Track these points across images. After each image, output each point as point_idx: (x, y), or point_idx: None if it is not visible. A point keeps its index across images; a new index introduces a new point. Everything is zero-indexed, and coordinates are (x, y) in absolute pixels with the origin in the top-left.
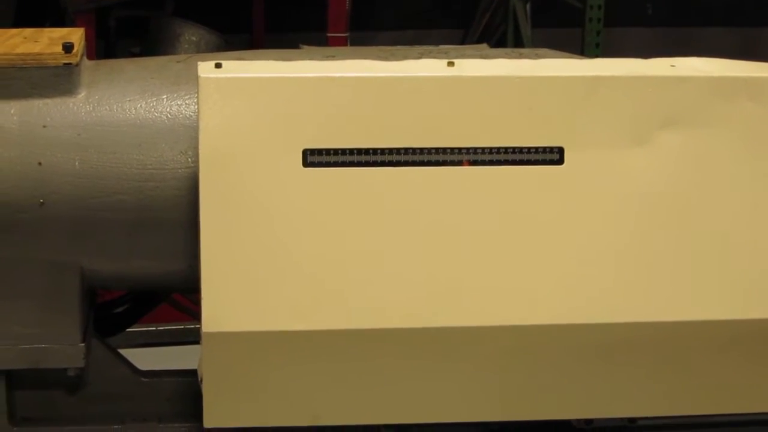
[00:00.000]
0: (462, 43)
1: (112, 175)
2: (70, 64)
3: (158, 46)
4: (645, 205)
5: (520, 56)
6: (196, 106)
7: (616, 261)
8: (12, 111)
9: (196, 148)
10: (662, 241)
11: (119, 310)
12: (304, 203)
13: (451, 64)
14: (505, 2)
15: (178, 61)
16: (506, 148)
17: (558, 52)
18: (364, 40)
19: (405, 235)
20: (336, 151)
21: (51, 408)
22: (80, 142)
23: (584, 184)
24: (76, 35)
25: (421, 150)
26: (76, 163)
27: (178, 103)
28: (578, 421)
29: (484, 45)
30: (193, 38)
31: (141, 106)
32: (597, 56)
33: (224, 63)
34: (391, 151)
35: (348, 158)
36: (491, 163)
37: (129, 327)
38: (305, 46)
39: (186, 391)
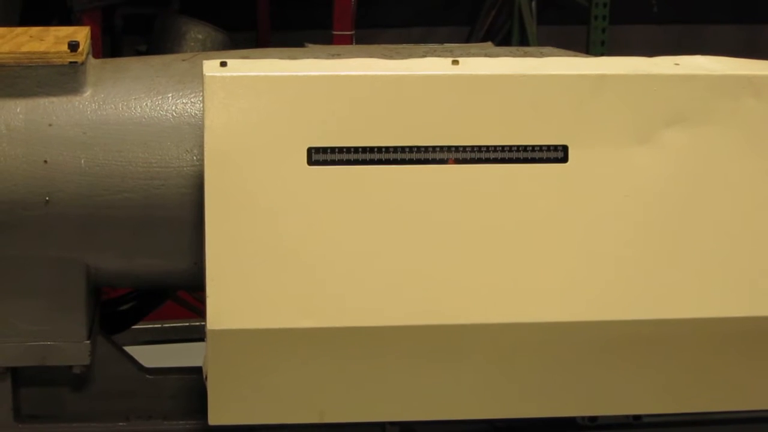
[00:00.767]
0: (467, 40)
1: (118, 174)
2: (75, 62)
3: (164, 44)
4: (649, 203)
5: (525, 55)
6: (201, 105)
7: (621, 258)
8: (18, 109)
9: (201, 147)
10: (667, 239)
11: (125, 307)
12: (309, 201)
13: (455, 62)
14: (510, 0)
15: (183, 60)
16: (511, 147)
17: (563, 51)
18: (369, 38)
19: (410, 233)
20: (341, 150)
21: (56, 405)
22: (86, 140)
23: (589, 182)
24: (81, 34)
25: (426, 148)
26: (82, 162)
27: (184, 101)
28: (582, 418)
29: (489, 43)
30: (199, 36)
31: (146, 104)
32: (602, 54)
33: (229, 61)
34: (396, 149)
35: (353, 156)
36: (496, 161)
37: (134, 324)
38: (310, 45)
39: (191, 388)
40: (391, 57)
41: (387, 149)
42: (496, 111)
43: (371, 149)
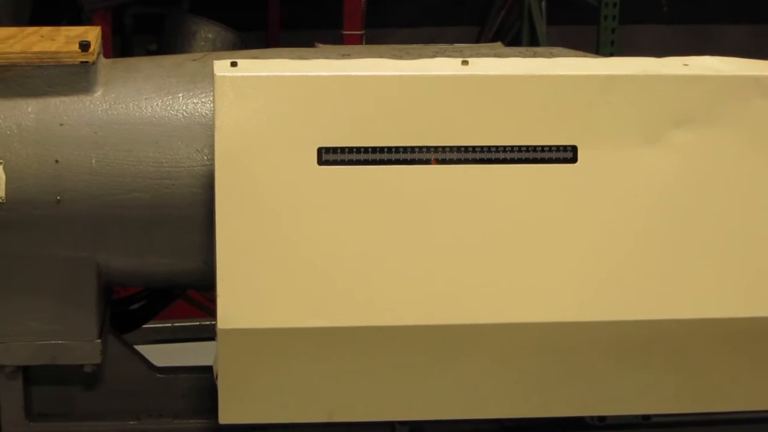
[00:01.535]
0: (477, 40)
1: (129, 173)
2: (86, 62)
3: (174, 44)
4: (658, 203)
5: (535, 55)
6: (211, 105)
7: (630, 258)
8: (29, 109)
9: (211, 146)
10: (675, 239)
11: (135, 306)
12: (319, 201)
13: (465, 62)
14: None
15: (194, 60)
16: (520, 147)
17: (572, 51)
18: (379, 38)
19: (420, 233)
20: (350, 150)
21: (67, 404)
22: (97, 140)
23: (598, 182)
24: (92, 34)
25: (435, 149)
26: (93, 161)
27: (194, 101)
28: (591, 418)
29: (499, 44)
30: (209, 35)
31: (157, 104)
32: (611, 54)
33: (240, 62)
34: (405, 149)
35: (362, 156)
36: (506, 161)
37: (145, 323)
38: (321, 45)
39: (201, 387)
40: (401, 57)
41: (397, 149)
42: (506, 111)
43: (381, 149)
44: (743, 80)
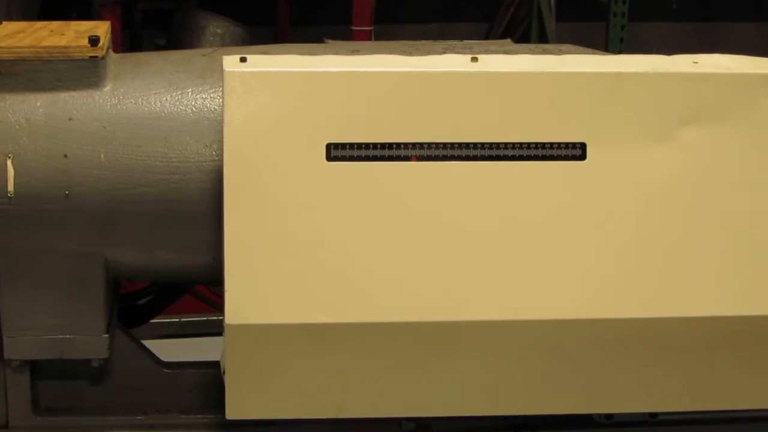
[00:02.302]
0: (486, 37)
1: (137, 168)
2: (96, 57)
3: (183, 38)
4: (667, 201)
5: (544, 52)
6: (221, 100)
7: (638, 256)
8: (38, 104)
9: (220, 142)
10: (685, 236)
11: (143, 301)
12: (328, 197)
13: (474, 59)
14: None
15: (203, 55)
16: (529, 144)
17: (582, 48)
18: (387, 33)
19: (428, 229)
20: (359, 146)
21: (74, 398)
22: (105, 134)
23: (606, 179)
24: (102, 29)
25: (444, 145)
26: (102, 156)
27: (203, 96)
28: (599, 415)
29: (508, 40)
30: (218, 30)
31: (166, 99)
32: (621, 51)
33: (249, 57)
34: (414, 145)
35: (371, 152)
36: (515, 158)
37: (152, 318)
38: (330, 41)
39: (209, 382)
40: (410, 53)
41: (406, 146)
42: (515, 108)
43: (390, 145)
44: (753, 78)
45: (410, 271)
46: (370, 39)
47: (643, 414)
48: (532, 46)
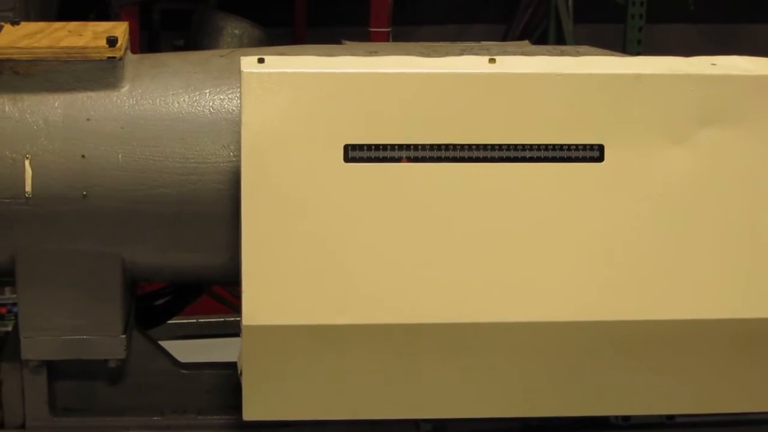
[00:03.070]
0: (504, 38)
1: (155, 168)
2: (114, 57)
3: (201, 39)
4: (685, 203)
5: (562, 53)
6: (238, 101)
7: (656, 258)
8: (56, 104)
9: (238, 142)
10: (702, 239)
11: (160, 302)
12: (345, 198)
13: (492, 60)
14: None
15: (221, 56)
16: (547, 145)
17: (599, 50)
18: (405, 35)
19: (446, 231)
20: (377, 147)
21: (91, 399)
22: (123, 135)
23: (624, 181)
24: (120, 29)
25: (462, 146)
26: (119, 156)
27: (221, 97)
28: (616, 417)
29: (526, 42)
30: (236, 31)
31: (184, 100)
32: (639, 53)
33: (267, 58)
34: (432, 147)
35: (389, 154)
36: (532, 160)
37: (170, 319)
38: (347, 42)
39: (226, 383)
40: (428, 55)
41: (423, 147)
42: (533, 110)
43: (408, 147)
44: None
45: (427, 273)
46: (387, 40)
47: (660, 416)
48: (549, 47)
